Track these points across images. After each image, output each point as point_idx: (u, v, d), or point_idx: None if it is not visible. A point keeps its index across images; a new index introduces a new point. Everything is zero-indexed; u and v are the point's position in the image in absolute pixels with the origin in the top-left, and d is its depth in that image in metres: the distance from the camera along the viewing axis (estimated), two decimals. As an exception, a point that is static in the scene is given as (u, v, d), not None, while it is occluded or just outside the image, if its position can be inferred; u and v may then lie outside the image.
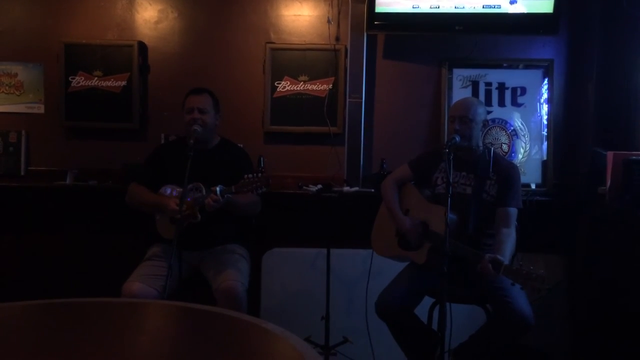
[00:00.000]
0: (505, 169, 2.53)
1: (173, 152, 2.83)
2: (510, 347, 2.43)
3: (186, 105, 2.77)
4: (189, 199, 2.54)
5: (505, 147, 3.35)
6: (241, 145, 3.03)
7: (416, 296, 2.50)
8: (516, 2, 3.15)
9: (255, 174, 2.48)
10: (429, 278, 2.46)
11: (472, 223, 2.46)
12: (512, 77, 3.38)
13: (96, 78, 3.43)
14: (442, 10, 3.19)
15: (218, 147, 2.87)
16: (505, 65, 3.39)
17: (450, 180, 2.25)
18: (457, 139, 2.41)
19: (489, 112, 3.31)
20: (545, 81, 3.35)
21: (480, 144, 2.60)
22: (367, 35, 3.36)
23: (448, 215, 2.35)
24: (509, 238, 2.38)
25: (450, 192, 2.22)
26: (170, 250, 2.34)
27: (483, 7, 3.17)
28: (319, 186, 3.14)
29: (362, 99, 3.35)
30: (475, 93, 3.38)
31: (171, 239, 2.50)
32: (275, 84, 3.40)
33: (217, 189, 2.49)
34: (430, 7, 3.19)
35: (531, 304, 2.34)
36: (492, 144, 3.31)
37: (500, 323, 2.34)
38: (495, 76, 3.38)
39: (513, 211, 2.46)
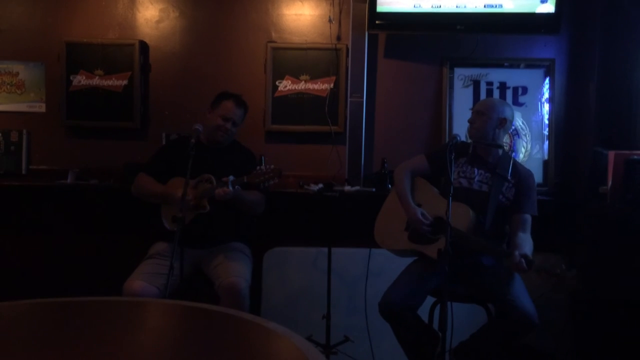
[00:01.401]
0: (524, 175, 2.55)
1: (184, 147, 2.83)
2: (512, 347, 2.43)
3: (222, 111, 2.78)
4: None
5: (506, 146, 3.34)
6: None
7: (420, 296, 2.49)
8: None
9: (267, 166, 2.52)
10: (433, 277, 2.46)
11: (488, 222, 2.46)
12: (514, 77, 3.38)
13: (97, 77, 3.43)
14: (443, 9, 3.19)
15: (229, 147, 2.89)
16: (506, 64, 3.39)
17: (452, 179, 2.26)
18: (459, 138, 2.41)
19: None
20: (547, 81, 3.35)
21: (501, 145, 2.61)
22: (369, 35, 3.36)
23: (470, 213, 2.37)
24: (527, 242, 2.39)
25: (452, 191, 2.22)
26: (172, 248, 2.35)
27: (484, 7, 3.17)
28: (320, 185, 3.14)
29: (363, 98, 3.35)
30: (476, 92, 3.38)
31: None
32: (277, 83, 3.40)
33: (229, 180, 2.51)
34: (432, 7, 3.19)
35: (534, 299, 2.34)
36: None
37: (503, 322, 2.34)
38: (496, 75, 3.38)
39: (530, 219, 2.48)
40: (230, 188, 2.50)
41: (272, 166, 2.53)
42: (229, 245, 2.76)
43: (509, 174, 2.53)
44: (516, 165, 2.58)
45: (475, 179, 2.56)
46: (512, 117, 2.63)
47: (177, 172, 2.73)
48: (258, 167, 2.52)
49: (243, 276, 2.56)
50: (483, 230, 2.45)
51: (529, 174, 2.58)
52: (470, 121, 2.60)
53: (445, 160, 2.51)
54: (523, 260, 2.18)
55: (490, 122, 2.54)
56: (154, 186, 2.75)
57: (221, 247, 2.75)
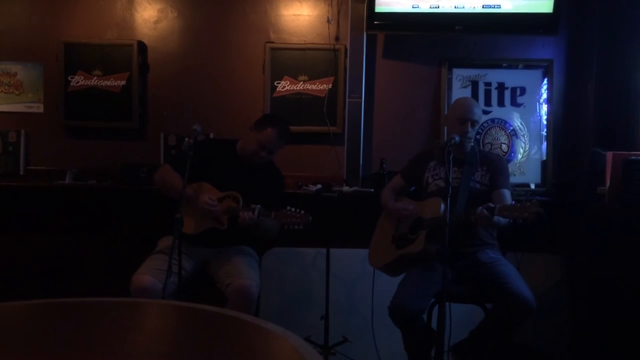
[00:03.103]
0: (493, 160, 2.68)
1: (219, 152, 2.80)
2: (510, 338, 2.43)
3: (263, 137, 2.67)
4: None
5: (504, 147, 3.35)
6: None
7: (428, 297, 2.51)
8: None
9: (298, 210, 2.47)
10: (437, 278, 2.46)
11: (460, 207, 2.49)
12: (512, 77, 3.38)
13: (95, 77, 3.43)
14: (441, 10, 3.19)
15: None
16: (504, 65, 3.40)
17: (450, 178, 2.29)
18: (457, 139, 2.44)
19: (488, 112, 3.36)
20: (545, 81, 3.36)
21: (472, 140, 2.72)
22: (367, 35, 3.36)
23: (439, 202, 2.47)
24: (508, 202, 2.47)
25: (450, 191, 2.27)
26: (182, 245, 2.35)
27: (483, 7, 3.17)
28: (319, 186, 3.14)
29: (361, 98, 3.35)
30: (474, 93, 3.38)
31: (191, 234, 2.56)
32: (275, 83, 3.40)
33: (257, 209, 2.49)
34: (430, 7, 3.19)
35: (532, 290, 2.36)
36: (491, 144, 3.33)
37: (501, 311, 2.36)
38: (494, 76, 3.39)
39: (507, 192, 2.58)
40: (255, 216, 2.48)
41: (303, 212, 2.47)
42: (237, 248, 2.76)
43: (479, 164, 2.63)
44: (483, 153, 2.71)
45: (450, 177, 2.59)
46: None
47: (206, 176, 2.69)
48: (288, 208, 2.47)
49: (254, 279, 2.56)
50: (456, 215, 2.46)
51: (497, 157, 2.78)
52: (467, 131, 2.58)
53: (415, 170, 2.78)
54: (484, 211, 2.25)
55: (478, 126, 2.69)
56: (180, 184, 2.59)
57: (230, 249, 2.74)
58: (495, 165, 2.64)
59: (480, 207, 2.28)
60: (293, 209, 2.47)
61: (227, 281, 2.55)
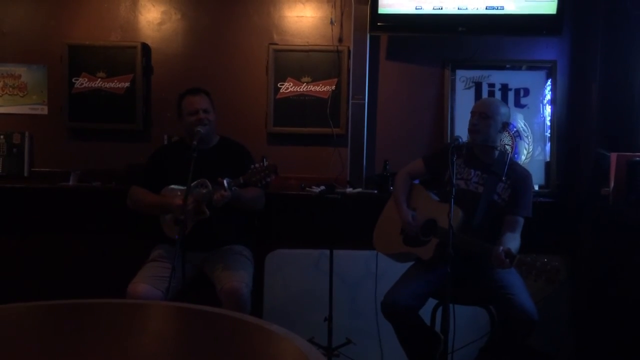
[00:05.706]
0: (521, 176, 2.55)
1: (173, 153, 2.83)
2: (517, 350, 2.42)
3: (187, 108, 2.75)
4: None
5: (508, 148, 3.34)
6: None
7: (422, 297, 2.49)
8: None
9: (261, 164, 2.49)
10: (434, 279, 2.46)
11: (477, 220, 2.46)
12: (515, 78, 3.37)
13: (99, 79, 3.44)
14: (445, 11, 3.19)
15: (219, 145, 2.87)
16: (508, 66, 3.39)
17: (454, 181, 2.27)
18: (461, 140, 2.42)
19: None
20: (549, 82, 3.35)
21: (498, 145, 2.61)
22: (370, 37, 3.36)
23: (459, 212, 2.39)
24: (515, 240, 2.39)
25: (454, 193, 2.24)
26: (174, 251, 2.35)
27: (486, 8, 3.17)
28: (322, 187, 3.14)
29: (365, 100, 3.35)
30: (478, 94, 3.37)
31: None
32: (278, 85, 3.40)
33: (225, 181, 2.48)
34: (433, 9, 3.19)
35: (535, 302, 2.34)
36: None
37: (505, 322, 2.35)
38: (498, 77, 3.38)
39: (521, 220, 2.48)
40: (228, 191, 2.48)
41: (267, 163, 2.50)
42: (229, 248, 2.76)
43: (504, 174, 2.52)
44: (513, 165, 2.58)
45: (472, 180, 2.57)
46: (510, 118, 2.64)
47: (170, 180, 2.71)
48: (253, 166, 2.49)
49: (244, 281, 2.56)
50: (471, 228, 2.44)
51: (525, 174, 2.58)
52: (474, 123, 2.54)
53: (440, 162, 2.58)
54: (503, 256, 2.19)
55: (495, 125, 2.53)
56: (151, 198, 2.73)
57: (222, 249, 2.74)
58: (520, 184, 2.51)
59: (501, 249, 2.20)
60: (257, 165, 2.49)
61: (219, 285, 2.55)
